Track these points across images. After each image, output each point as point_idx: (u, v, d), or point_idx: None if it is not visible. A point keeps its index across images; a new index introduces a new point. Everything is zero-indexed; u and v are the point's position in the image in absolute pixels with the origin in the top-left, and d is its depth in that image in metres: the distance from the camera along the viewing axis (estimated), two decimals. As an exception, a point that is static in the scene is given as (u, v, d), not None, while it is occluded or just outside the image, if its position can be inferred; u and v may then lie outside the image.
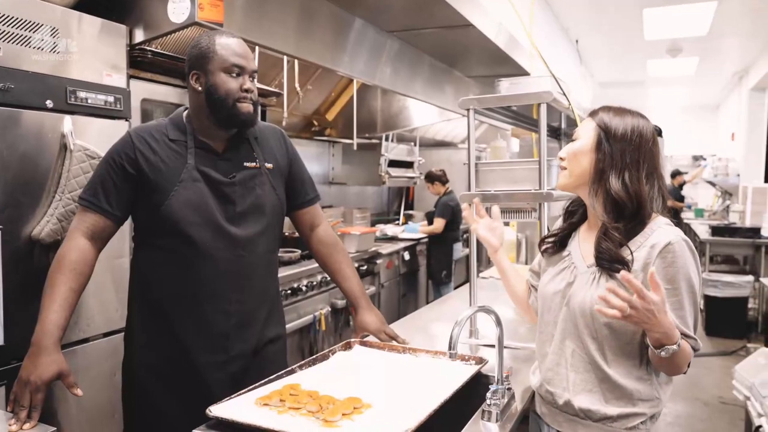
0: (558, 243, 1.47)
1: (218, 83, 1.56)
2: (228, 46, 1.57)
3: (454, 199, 5.42)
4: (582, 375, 1.32)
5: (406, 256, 5.09)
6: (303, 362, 1.58)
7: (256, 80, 1.64)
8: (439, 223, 5.35)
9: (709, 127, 12.25)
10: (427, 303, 5.70)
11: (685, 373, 1.28)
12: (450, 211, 5.34)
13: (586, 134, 1.35)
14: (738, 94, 9.27)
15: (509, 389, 1.39)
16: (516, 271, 1.67)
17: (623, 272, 1.16)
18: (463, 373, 1.48)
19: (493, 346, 1.82)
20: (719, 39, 6.81)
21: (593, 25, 6.38)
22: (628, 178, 1.29)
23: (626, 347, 1.29)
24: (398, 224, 6.08)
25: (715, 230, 6.33)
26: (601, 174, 1.31)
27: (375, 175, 5.43)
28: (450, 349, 1.22)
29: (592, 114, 1.38)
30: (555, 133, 3.48)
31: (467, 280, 6.60)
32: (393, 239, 5.31)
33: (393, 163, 5.51)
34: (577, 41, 6.81)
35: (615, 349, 1.29)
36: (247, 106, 1.58)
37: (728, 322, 5.42)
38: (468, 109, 1.88)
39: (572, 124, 2.77)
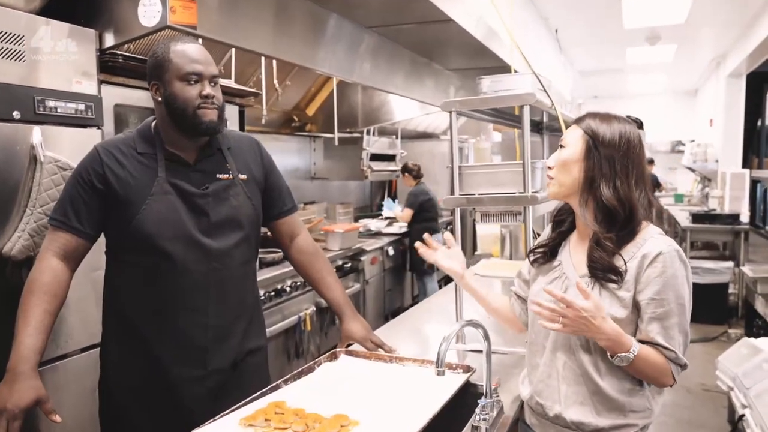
0: (548, 252, 1.45)
1: (176, 92, 1.50)
2: (183, 53, 1.51)
3: (424, 191, 5.45)
4: (573, 387, 1.31)
5: (390, 251, 5.08)
6: (288, 376, 1.55)
7: (218, 85, 1.58)
8: (406, 213, 5.42)
9: (687, 112, 12.34)
10: (413, 297, 5.71)
11: (671, 385, 1.28)
12: (418, 203, 5.38)
13: (574, 142, 1.33)
14: (716, 80, 9.33)
15: (498, 401, 1.37)
16: (489, 288, 1.66)
17: (547, 286, 1.19)
18: (450, 384, 1.46)
19: (480, 351, 1.81)
20: (697, 26, 6.83)
21: (573, 15, 6.37)
22: (620, 185, 1.27)
23: None
24: (382, 219, 6.06)
25: (696, 217, 6.40)
26: (591, 182, 1.29)
27: (357, 169, 5.40)
28: (438, 366, 1.19)
29: (578, 121, 1.35)
30: (537, 128, 3.48)
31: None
32: (377, 234, 5.28)
33: (375, 157, 5.48)
34: (556, 31, 6.79)
35: (608, 362, 1.28)
36: (209, 113, 1.52)
37: (709, 308, 5.48)
38: (451, 111, 1.85)
39: (554, 118, 2.75)
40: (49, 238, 1.51)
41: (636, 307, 1.26)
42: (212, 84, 1.55)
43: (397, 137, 6.08)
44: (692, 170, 9.47)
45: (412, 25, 3.30)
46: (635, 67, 9.47)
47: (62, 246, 1.49)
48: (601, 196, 1.28)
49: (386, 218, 6.07)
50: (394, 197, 6.98)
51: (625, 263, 1.26)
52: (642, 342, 1.24)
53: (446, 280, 6.59)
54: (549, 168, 1.38)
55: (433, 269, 5.42)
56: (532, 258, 1.49)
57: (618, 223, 1.28)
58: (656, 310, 1.23)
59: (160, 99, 1.53)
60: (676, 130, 12.03)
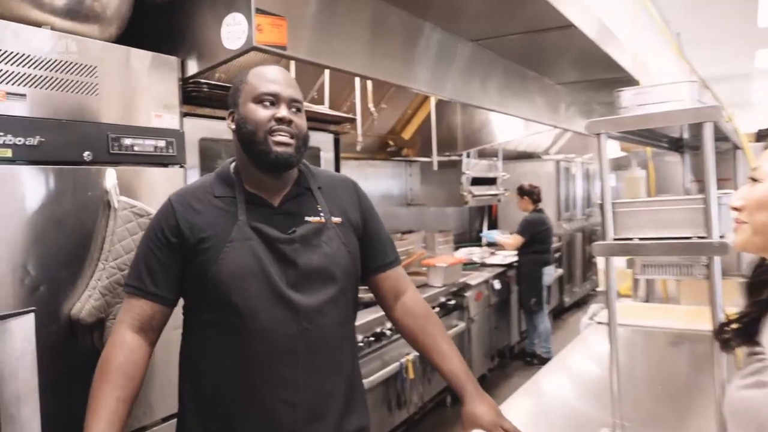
0: (743, 333, 1.01)
1: (247, 114, 1.30)
2: (260, 74, 1.33)
3: (542, 220, 4.99)
4: None
5: (497, 284, 4.63)
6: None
7: (302, 112, 1.35)
8: (515, 240, 4.97)
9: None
10: (520, 333, 5.20)
11: None
12: (531, 232, 4.91)
13: None
14: None
15: None
16: None
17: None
18: None
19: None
20: None
21: (697, 16, 5.73)
22: None
23: None
24: (483, 247, 5.65)
25: None
26: None
27: (456, 194, 5.03)
28: None
29: None
30: (676, 145, 2.96)
31: (560, 304, 5.95)
32: (481, 266, 4.87)
33: (475, 181, 5.10)
34: (678, 34, 6.13)
35: None
36: (282, 139, 1.28)
37: None
38: (599, 134, 1.45)
39: (696, 131, 2.26)
40: (124, 307, 1.33)
41: None
42: (293, 109, 1.31)
43: (497, 158, 5.66)
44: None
45: (521, 35, 2.91)
46: (764, 72, 8.49)
47: (137, 316, 1.30)
48: None
49: (489, 244, 5.64)
50: (494, 224, 6.55)
51: None
52: None
53: (555, 312, 6.01)
54: (736, 209, 0.99)
55: (540, 306, 4.90)
56: (721, 339, 1.07)
57: None
58: None
59: (233, 127, 1.33)
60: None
